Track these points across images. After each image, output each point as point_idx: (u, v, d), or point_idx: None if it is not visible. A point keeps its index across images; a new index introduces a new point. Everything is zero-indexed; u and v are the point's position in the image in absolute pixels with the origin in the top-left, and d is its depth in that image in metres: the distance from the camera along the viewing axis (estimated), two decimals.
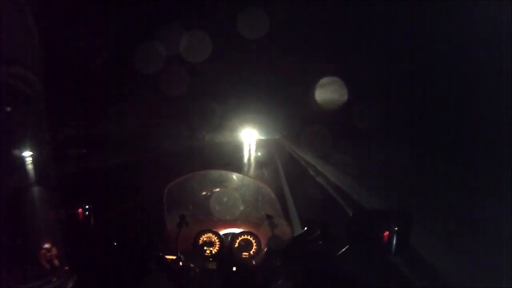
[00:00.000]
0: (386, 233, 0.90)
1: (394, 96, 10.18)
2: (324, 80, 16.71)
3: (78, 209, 0.99)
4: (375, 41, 11.36)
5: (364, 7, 11.54)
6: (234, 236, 1.19)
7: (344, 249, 0.96)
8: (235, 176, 1.36)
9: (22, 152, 0.54)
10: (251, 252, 1.16)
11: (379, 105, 11.25)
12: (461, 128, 6.44)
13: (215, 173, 1.37)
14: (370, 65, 11.93)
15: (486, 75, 5.79)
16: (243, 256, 1.15)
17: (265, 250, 1.13)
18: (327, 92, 16.30)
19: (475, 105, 6.05)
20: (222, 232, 1.24)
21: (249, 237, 1.18)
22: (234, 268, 1.06)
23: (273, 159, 16.44)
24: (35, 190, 0.55)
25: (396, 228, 0.90)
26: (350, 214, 0.98)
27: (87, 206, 1.02)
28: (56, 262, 0.54)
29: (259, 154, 20.51)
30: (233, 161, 14.88)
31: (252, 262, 1.13)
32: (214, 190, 1.34)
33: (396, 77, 9.97)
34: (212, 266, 1.10)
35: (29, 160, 0.55)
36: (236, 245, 1.18)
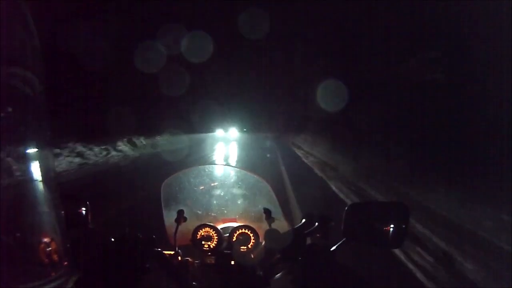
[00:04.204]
0: (383, 226, 0.90)
1: (394, 96, 10.17)
2: (324, 81, 16.68)
3: (76, 207, 1.00)
4: (376, 41, 11.33)
5: (365, 7, 11.52)
6: (232, 230, 1.20)
7: (340, 242, 0.96)
8: (232, 170, 1.37)
9: (22, 152, 0.54)
10: (249, 246, 1.17)
11: (379, 105, 11.24)
12: (461, 128, 6.43)
13: (213, 167, 1.37)
14: (370, 65, 11.91)
15: (485, 75, 5.78)
16: (242, 250, 1.16)
17: (263, 244, 1.14)
18: (328, 93, 16.28)
19: (475, 105, 6.04)
20: (220, 226, 1.24)
21: (247, 231, 1.19)
22: (233, 262, 1.07)
23: None
24: (35, 188, 0.55)
25: (393, 221, 0.90)
26: (347, 207, 0.97)
27: (85, 204, 1.02)
28: (55, 257, 0.54)
29: None
30: None
31: (251, 256, 1.14)
32: (212, 185, 1.35)
33: (396, 77, 9.96)
34: (211, 260, 1.10)
35: (29, 159, 0.55)
36: (234, 239, 1.18)
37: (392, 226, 0.89)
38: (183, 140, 22.15)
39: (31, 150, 0.54)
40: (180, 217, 1.15)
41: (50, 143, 0.57)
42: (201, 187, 1.33)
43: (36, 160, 0.55)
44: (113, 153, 13.42)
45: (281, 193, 7.02)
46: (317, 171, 11.13)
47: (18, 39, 0.47)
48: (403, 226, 0.90)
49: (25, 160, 0.54)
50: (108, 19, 14.71)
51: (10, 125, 0.49)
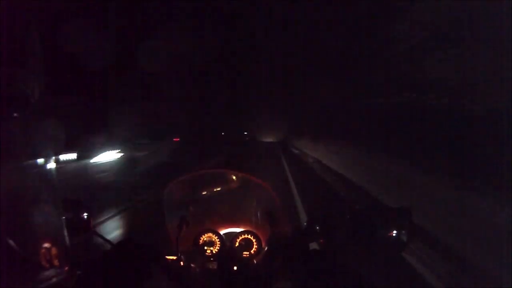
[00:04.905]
0: (386, 231, 0.90)
1: (394, 97, 10.17)
2: (325, 82, 16.67)
3: (77, 210, 0.99)
4: (377, 42, 11.34)
5: (365, 8, 11.52)
6: (235, 235, 1.19)
7: (344, 247, 0.96)
8: (234, 175, 1.36)
9: (22, 153, 0.54)
10: (252, 251, 1.16)
11: (379, 106, 11.23)
12: (460, 128, 6.43)
13: (215, 172, 1.36)
14: (371, 66, 11.90)
15: (486, 75, 5.77)
16: (244, 255, 1.15)
17: (265, 249, 1.13)
18: (329, 93, 16.26)
19: (475, 105, 6.04)
20: (222, 231, 1.23)
21: (249, 236, 1.18)
22: (235, 268, 1.06)
23: None
24: (36, 191, 0.55)
25: (396, 226, 0.90)
26: (349, 212, 0.96)
27: (86, 207, 1.01)
28: (56, 262, 0.54)
29: None
30: None
31: (253, 261, 1.13)
32: (214, 190, 1.34)
33: (397, 77, 9.96)
34: (213, 266, 1.09)
35: (29, 161, 0.55)
36: (237, 244, 1.17)
37: (395, 231, 0.89)
38: None
39: (32, 151, 0.54)
40: (183, 222, 1.14)
41: (50, 144, 0.57)
42: (204, 192, 1.32)
43: (36, 162, 0.55)
44: None
45: (285, 197, 6.86)
46: None
47: (18, 39, 0.47)
48: (406, 231, 0.90)
49: (26, 161, 0.54)
50: (109, 19, 14.70)
51: (11, 126, 0.49)
